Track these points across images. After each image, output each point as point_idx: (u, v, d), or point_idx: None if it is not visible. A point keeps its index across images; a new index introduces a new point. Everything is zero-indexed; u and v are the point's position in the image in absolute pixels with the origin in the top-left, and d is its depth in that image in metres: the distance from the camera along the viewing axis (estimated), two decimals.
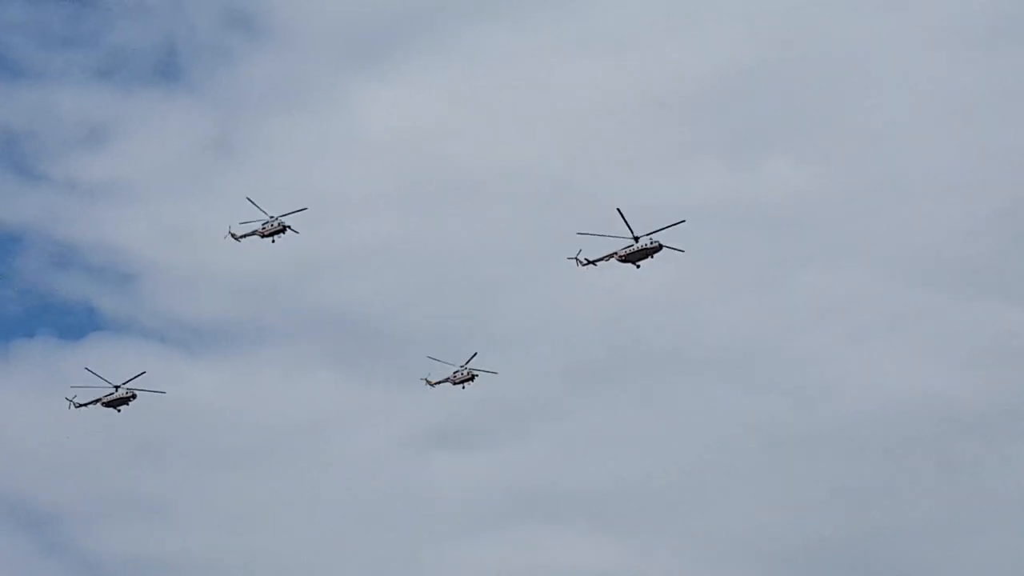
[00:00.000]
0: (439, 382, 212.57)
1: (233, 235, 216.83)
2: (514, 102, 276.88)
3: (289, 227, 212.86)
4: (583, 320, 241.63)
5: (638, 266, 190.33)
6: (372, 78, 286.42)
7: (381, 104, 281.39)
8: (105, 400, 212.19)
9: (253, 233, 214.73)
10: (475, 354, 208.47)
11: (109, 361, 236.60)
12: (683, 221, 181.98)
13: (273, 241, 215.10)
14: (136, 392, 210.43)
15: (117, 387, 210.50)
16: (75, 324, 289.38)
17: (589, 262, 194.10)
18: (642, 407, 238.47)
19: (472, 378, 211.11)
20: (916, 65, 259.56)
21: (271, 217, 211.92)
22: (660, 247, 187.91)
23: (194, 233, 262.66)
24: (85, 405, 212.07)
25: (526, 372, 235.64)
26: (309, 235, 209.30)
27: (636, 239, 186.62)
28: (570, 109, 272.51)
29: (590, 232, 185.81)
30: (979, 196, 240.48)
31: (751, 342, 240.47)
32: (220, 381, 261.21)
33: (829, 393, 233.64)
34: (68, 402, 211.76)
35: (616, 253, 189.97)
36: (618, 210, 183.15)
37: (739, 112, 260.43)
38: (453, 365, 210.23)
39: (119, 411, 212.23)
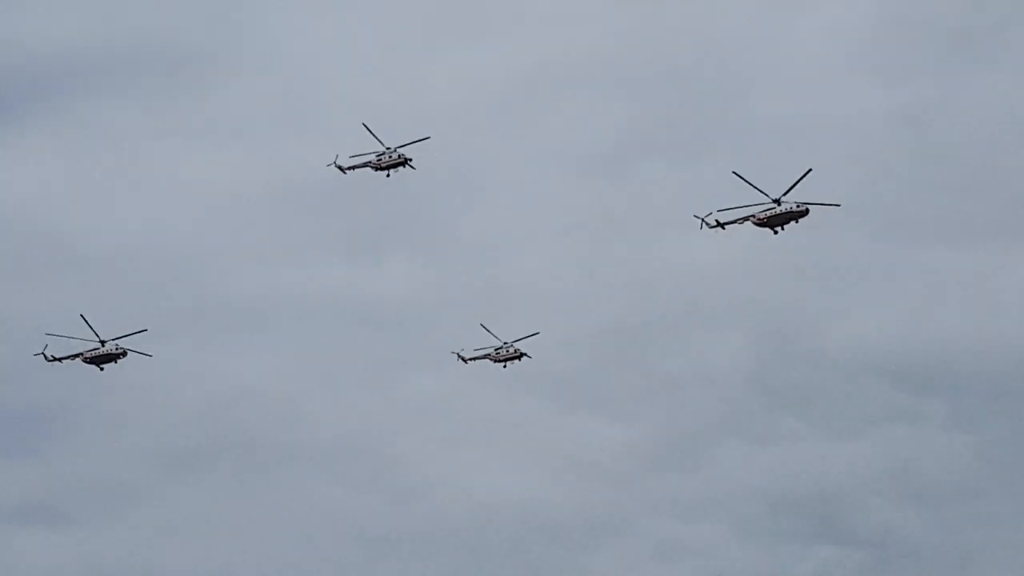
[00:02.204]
0: (476, 358, 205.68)
1: (339, 167, 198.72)
2: (137, 180, 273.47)
3: (409, 161, 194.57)
4: (183, 405, 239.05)
5: (776, 232, 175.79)
6: None
7: None
8: (88, 356, 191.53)
9: (365, 165, 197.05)
10: (537, 333, 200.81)
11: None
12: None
13: (388, 175, 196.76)
14: (127, 350, 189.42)
15: (104, 342, 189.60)
16: None
17: (719, 224, 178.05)
18: (239, 496, 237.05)
19: (519, 356, 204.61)
20: (529, 181, 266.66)
21: (388, 148, 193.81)
22: (807, 211, 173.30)
23: None
24: (62, 360, 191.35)
25: (120, 453, 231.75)
26: None
27: (778, 201, 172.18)
28: (194, 193, 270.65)
29: (744, 178, 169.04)
30: (583, 312, 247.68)
31: (355, 438, 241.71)
32: None
33: (424, 493, 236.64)
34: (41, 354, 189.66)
35: (754, 216, 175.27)
36: (808, 171, 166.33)
37: (363, 209, 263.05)
38: (498, 340, 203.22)
39: (102, 369, 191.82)
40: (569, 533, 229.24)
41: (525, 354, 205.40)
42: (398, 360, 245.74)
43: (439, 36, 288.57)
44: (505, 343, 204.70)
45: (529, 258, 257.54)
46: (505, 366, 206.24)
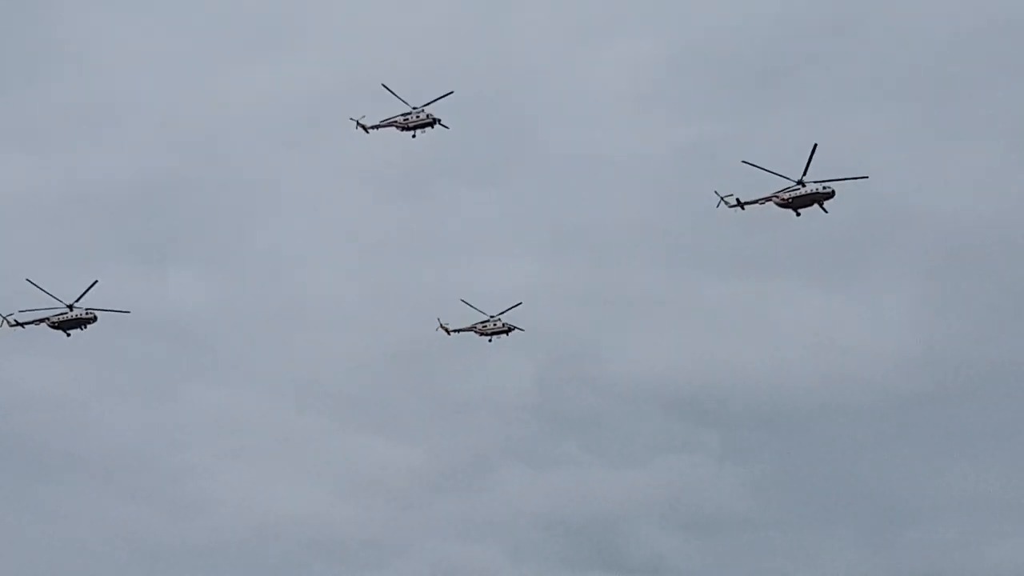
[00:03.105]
0: (461, 330, 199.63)
1: (362, 125, 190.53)
2: None
3: (439, 121, 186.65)
4: None
5: (798, 213, 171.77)
6: None
7: None
8: (54, 320, 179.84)
9: (391, 124, 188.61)
10: (519, 303, 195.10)
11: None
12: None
13: (414, 136, 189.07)
14: (95, 313, 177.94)
15: (71, 306, 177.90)
16: None
17: (739, 204, 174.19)
18: (17, 504, 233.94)
19: (508, 330, 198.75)
20: (325, 199, 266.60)
21: (414, 108, 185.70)
22: (832, 193, 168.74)
23: None
24: (24, 325, 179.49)
25: None
26: None
27: (801, 183, 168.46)
28: None
29: (756, 164, 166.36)
30: (372, 332, 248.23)
31: (137, 450, 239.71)
32: None
33: (206, 507, 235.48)
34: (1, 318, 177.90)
35: (776, 195, 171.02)
36: (814, 146, 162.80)
37: (153, 220, 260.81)
38: (484, 313, 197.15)
39: (68, 335, 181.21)
40: (350, 552, 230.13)
41: (516, 327, 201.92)
42: (184, 372, 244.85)
43: (243, 47, 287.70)
44: (492, 316, 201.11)
45: (320, 276, 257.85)
46: (491, 340, 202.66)
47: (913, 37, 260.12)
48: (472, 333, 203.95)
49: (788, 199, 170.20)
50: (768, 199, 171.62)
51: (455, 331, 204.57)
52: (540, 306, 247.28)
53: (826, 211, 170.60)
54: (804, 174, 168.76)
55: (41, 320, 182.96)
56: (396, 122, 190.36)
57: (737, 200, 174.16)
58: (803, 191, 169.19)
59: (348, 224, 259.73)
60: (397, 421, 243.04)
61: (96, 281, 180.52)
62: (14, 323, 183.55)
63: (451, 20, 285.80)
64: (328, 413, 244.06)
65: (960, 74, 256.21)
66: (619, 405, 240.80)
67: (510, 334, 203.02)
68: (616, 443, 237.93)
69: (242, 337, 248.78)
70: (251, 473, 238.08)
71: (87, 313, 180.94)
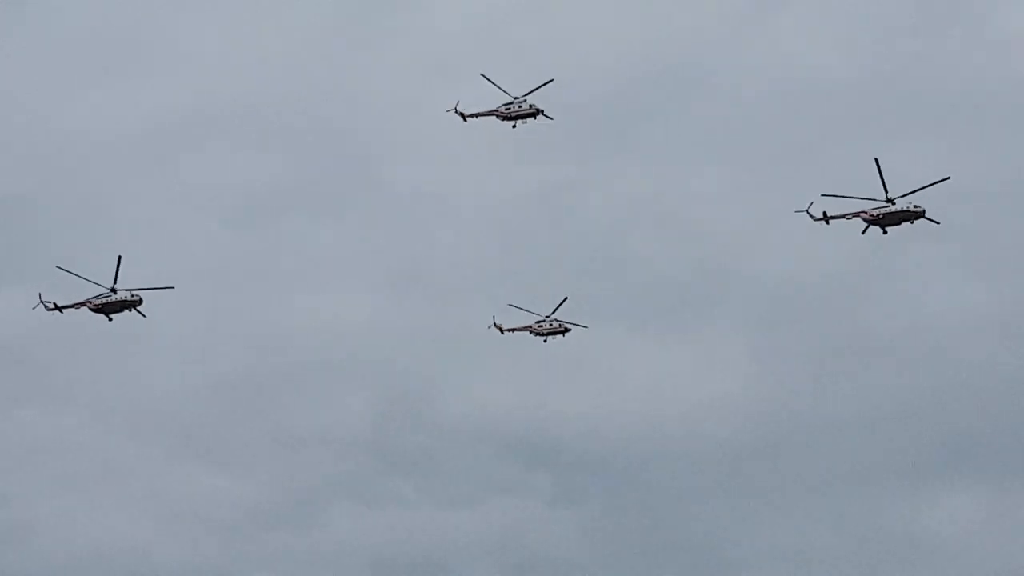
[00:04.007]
0: (515, 330, 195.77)
1: (460, 113, 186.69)
2: None
3: (542, 112, 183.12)
4: None
5: (885, 231, 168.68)
6: None
7: None
8: (97, 303, 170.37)
9: (490, 114, 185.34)
10: (565, 299, 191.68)
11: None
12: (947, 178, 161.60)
13: (514, 126, 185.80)
14: (140, 295, 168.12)
15: (114, 289, 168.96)
16: None
17: (825, 218, 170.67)
18: None
19: (564, 331, 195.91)
20: (166, 226, 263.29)
21: (516, 98, 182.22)
22: (922, 213, 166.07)
23: None
24: (62, 309, 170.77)
25: None
26: None
27: (891, 200, 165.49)
28: None
29: (837, 194, 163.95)
30: (207, 362, 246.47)
31: None
32: None
33: (27, 535, 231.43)
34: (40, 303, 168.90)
35: (865, 211, 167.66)
36: (876, 161, 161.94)
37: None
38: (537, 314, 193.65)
39: (111, 319, 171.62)
40: None
41: (569, 328, 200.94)
42: (8, 396, 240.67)
43: (87, 73, 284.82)
44: (547, 316, 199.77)
45: (156, 303, 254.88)
46: (546, 340, 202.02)
47: (756, 98, 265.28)
48: (527, 333, 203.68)
49: (878, 216, 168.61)
50: (856, 215, 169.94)
51: (509, 331, 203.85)
52: (377, 343, 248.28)
53: (933, 220, 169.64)
54: (885, 192, 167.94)
55: (82, 303, 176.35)
56: (497, 112, 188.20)
57: (824, 213, 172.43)
58: (892, 208, 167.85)
59: (188, 253, 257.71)
60: (229, 453, 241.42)
61: (172, 287, 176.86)
62: (54, 307, 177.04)
63: (301, 52, 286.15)
64: (158, 443, 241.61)
65: (794, 137, 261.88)
66: (452, 445, 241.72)
67: (565, 335, 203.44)
68: (448, 483, 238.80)
69: (71, 361, 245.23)
70: (75, 501, 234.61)
71: (130, 295, 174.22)
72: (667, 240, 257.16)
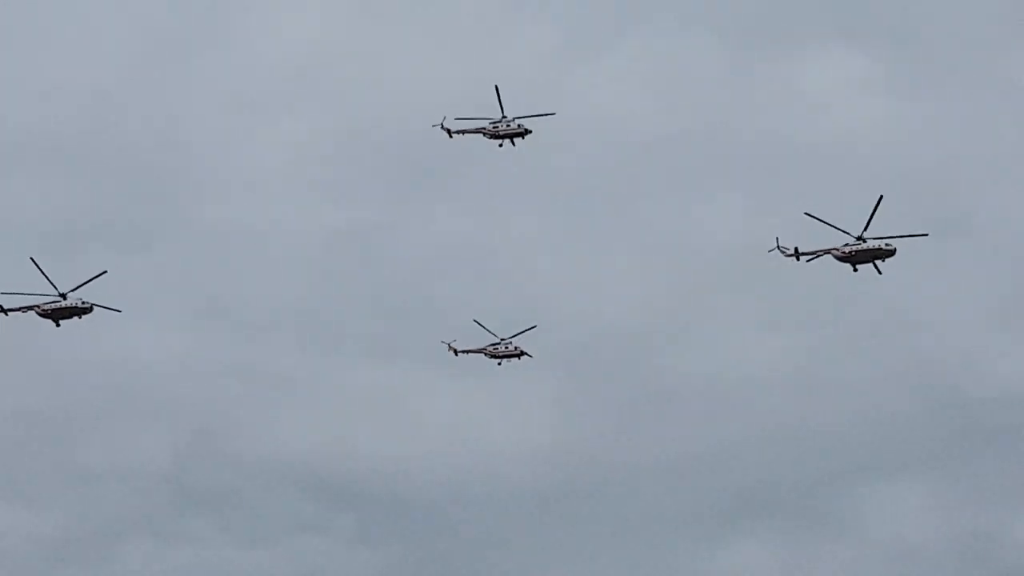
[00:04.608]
0: (469, 351, 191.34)
1: (446, 129, 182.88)
2: None
3: (529, 132, 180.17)
4: None
5: (855, 269, 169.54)
6: None
7: None
8: (45, 308, 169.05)
9: (477, 131, 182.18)
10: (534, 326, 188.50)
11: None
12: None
13: (500, 145, 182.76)
14: (92, 305, 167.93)
15: (64, 295, 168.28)
16: None
17: (796, 253, 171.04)
18: None
19: (520, 355, 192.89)
20: None
21: (505, 116, 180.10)
22: (894, 251, 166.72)
23: None
24: (9, 312, 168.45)
25: None
26: None
27: (862, 239, 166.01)
28: None
29: (818, 217, 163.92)
30: (5, 395, 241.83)
31: None
32: None
33: None
34: None
35: (836, 249, 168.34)
36: (880, 198, 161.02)
37: None
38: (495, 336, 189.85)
39: (59, 325, 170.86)
40: None
41: (526, 353, 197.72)
42: None
43: None
44: (503, 339, 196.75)
45: None
46: (500, 363, 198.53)
47: (572, 147, 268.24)
48: (482, 356, 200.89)
49: (849, 253, 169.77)
50: (828, 252, 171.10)
51: (464, 352, 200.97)
52: (179, 378, 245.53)
53: (880, 272, 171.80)
54: (865, 229, 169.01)
55: (30, 307, 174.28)
56: (484, 129, 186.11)
57: (795, 249, 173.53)
58: (864, 246, 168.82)
59: None
60: (23, 487, 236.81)
61: (105, 271, 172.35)
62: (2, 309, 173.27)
63: (112, 81, 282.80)
64: None
65: (608, 186, 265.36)
66: (253, 483, 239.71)
67: (521, 359, 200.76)
68: (248, 522, 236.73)
69: None
70: None
71: (81, 302, 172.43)
72: (477, 283, 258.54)
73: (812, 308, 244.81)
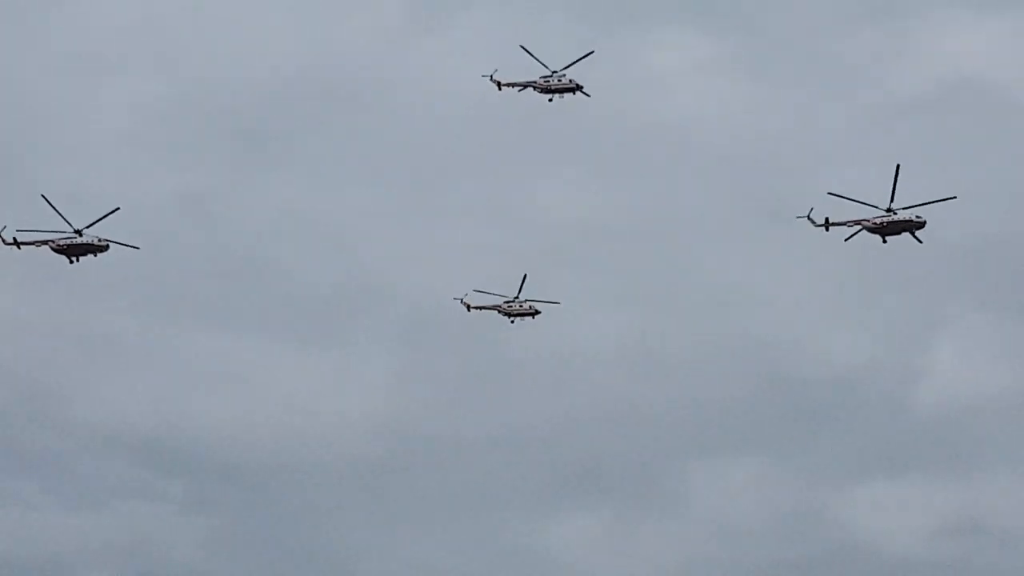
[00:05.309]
0: (483, 307, 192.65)
1: (496, 81, 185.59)
2: None
3: (582, 88, 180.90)
4: None
5: (885, 241, 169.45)
6: None
7: None
8: (59, 244, 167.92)
9: (528, 85, 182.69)
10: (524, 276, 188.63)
11: None
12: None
13: (551, 100, 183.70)
14: (108, 242, 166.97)
15: (80, 231, 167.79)
16: None
17: (826, 224, 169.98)
18: None
19: (534, 313, 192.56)
20: None
21: (554, 71, 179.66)
22: (923, 224, 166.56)
23: None
24: (23, 245, 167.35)
25: None
26: None
27: (892, 210, 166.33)
28: None
29: (843, 195, 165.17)
30: None
31: None
32: None
33: None
34: None
35: (867, 219, 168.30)
36: (897, 167, 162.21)
37: None
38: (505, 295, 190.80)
39: (72, 262, 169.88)
40: None
41: (539, 311, 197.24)
42: None
43: None
44: (516, 297, 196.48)
45: None
46: (513, 321, 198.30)
47: (410, 118, 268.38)
48: (495, 312, 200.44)
49: (881, 224, 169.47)
50: (858, 222, 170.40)
51: (476, 308, 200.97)
52: (7, 340, 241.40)
53: (920, 241, 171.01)
54: (892, 200, 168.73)
55: (44, 242, 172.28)
56: (536, 84, 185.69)
57: (826, 219, 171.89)
58: (895, 218, 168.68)
59: None
60: None
61: (118, 208, 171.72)
62: (15, 242, 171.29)
63: None
64: None
65: (444, 159, 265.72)
66: (82, 447, 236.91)
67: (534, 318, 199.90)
68: (76, 485, 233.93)
69: None
70: None
71: (97, 240, 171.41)
72: (313, 252, 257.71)
73: (647, 287, 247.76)
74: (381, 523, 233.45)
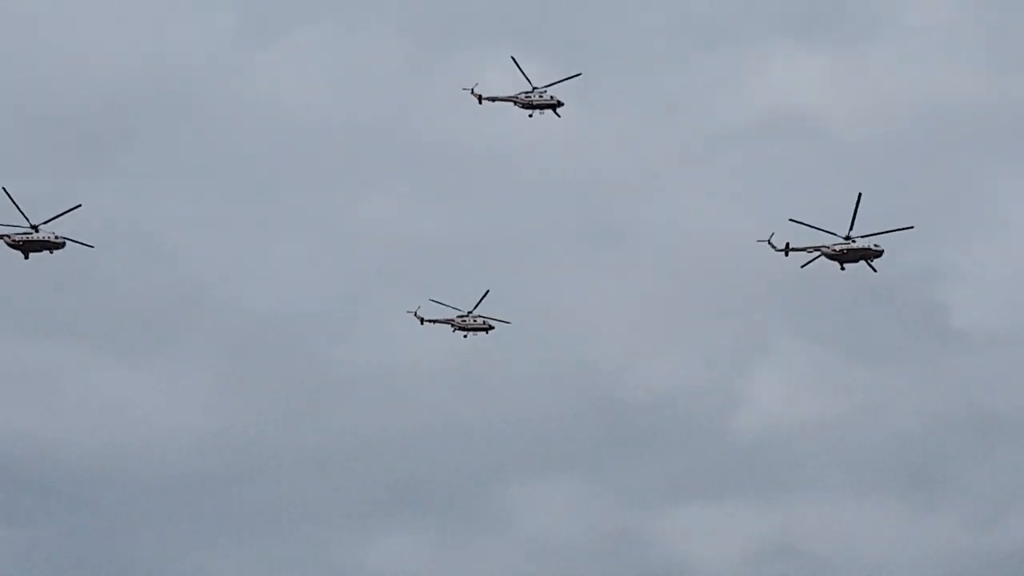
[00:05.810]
0: (436, 321, 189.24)
1: (478, 95, 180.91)
2: None
3: (561, 105, 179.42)
4: None
5: (843, 268, 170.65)
6: None
7: None
8: (15, 239, 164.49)
9: (509, 100, 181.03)
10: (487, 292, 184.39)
11: None
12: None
13: (531, 116, 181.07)
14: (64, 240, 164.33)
15: (36, 227, 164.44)
16: None
17: (787, 249, 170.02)
18: None
19: (487, 328, 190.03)
20: None
21: (535, 87, 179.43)
22: (881, 252, 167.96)
23: None
24: None
25: None
26: None
27: (850, 238, 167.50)
28: None
29: (804, 222, 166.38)
30: None
31: None
32: None
33: None
34: None
35: (826, 246, 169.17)
36: (859, 196, 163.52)
37: None
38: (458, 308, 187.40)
39: (27, 258, 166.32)
40: None
41: (492, 327, 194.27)
42: None
43: None
44: (469, 312, 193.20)
45: None
46: (466, 336, 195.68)
47: (241, 130, 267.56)
48: (448, 327, 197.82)
49: (839, 251, 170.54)
50: (817, 249, 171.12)
51: (430, 322, 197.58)
52: None
53: (875, 270, 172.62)
54: (851, 228, 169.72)
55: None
56: (518, 99, 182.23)
57: (787, 244, 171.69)
58: (854, 246, 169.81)
59: None
60: None
61: (79, 205, 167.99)
62: None
63: None
64: None
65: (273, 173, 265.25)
66: None
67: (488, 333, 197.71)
68: None
69: None
70: None
71: (53, 236, 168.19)
72: (139, 262, 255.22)
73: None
74: (202, 538, 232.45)
